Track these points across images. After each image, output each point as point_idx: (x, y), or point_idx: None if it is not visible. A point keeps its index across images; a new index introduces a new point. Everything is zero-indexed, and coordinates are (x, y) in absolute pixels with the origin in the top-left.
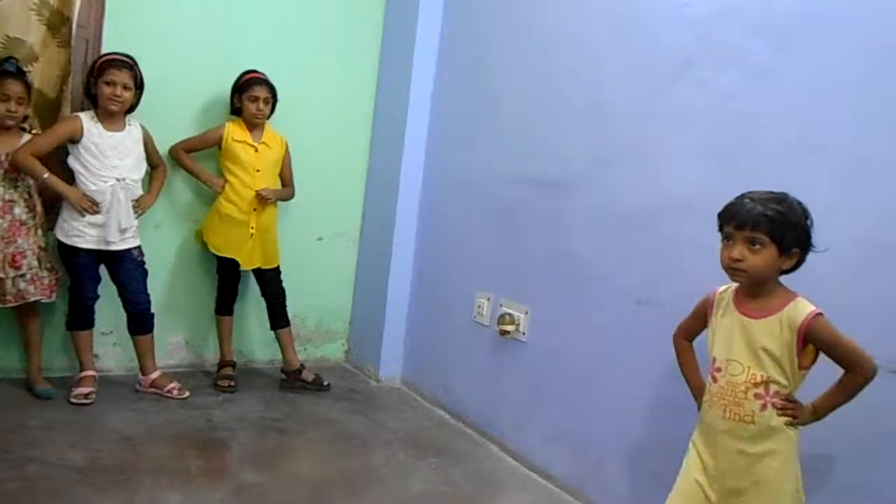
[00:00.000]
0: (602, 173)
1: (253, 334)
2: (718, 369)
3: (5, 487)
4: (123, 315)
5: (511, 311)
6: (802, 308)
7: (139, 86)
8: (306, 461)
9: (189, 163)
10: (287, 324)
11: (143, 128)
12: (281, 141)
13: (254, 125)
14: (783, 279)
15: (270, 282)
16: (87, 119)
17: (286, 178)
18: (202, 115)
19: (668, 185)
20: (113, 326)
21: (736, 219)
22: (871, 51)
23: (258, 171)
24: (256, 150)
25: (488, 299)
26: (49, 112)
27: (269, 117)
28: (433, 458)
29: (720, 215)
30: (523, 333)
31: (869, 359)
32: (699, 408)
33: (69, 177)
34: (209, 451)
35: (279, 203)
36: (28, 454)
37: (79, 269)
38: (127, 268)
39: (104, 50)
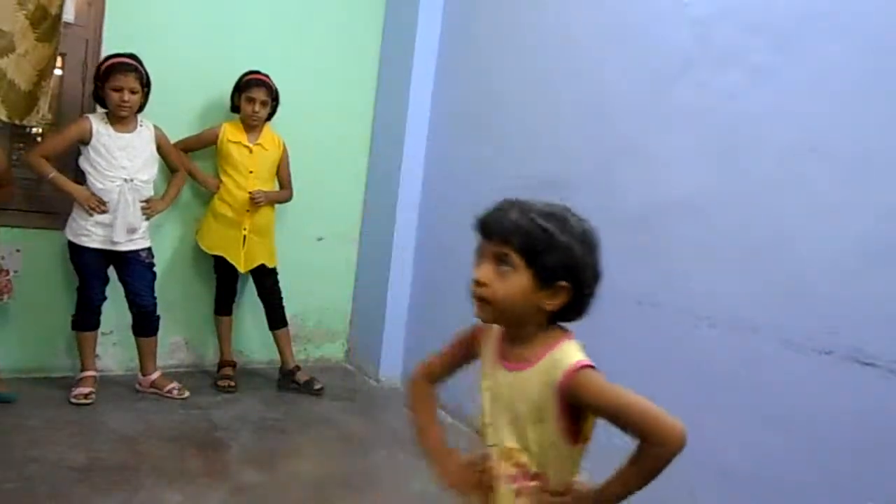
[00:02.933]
0: (602, 173)
1: (252, 334)
2: (480, 433)
3: (5, 487)
4: (124, 315)
5: None
6: (566, 358)
7: (146, 84)
8: (306, 461)
9: (186, 162)
10: (285, 324)
11: (157, 129)
12: (278, 142)
13: (250, 126)
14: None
15: (266, 283)
16: (96, 120)
17: (284, 181)
18: (202, 114)
19: (667, 186)
20: (113, 326)
21: (486, 226)
22: (871, 51)
23: (251, 172)
24: (251, 152)
25: None
26: (21, 104)
27: (268, 120)
28: None
29: (475, 220)
30: None
31: (672, 424)
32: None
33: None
34: (209, 451)
35: (278, 204)
36: (28, 454)
37: (86, 269)
38: (135, 269)
39: (104, 50)
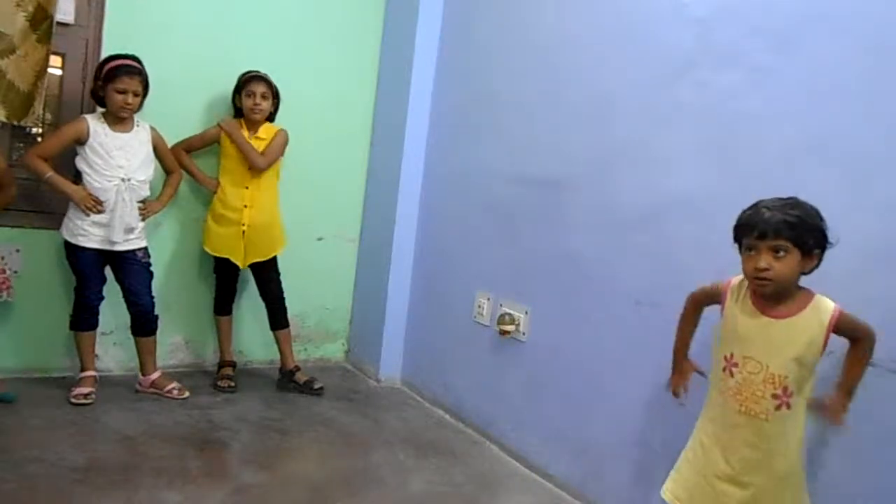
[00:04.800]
0: (602, 173)
1: (252, 334)
2: (735, 364)
3: (5, 487)
4: (124, 315)
5: (511, 311)
6: (827, 305)
7: (146, 88)
8: (306, 461)
9: (188, 163)
10: (286, 325)
11: (154, 130)
12: (275, 130)
13: (252, 122)
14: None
15: (267, 281)
16: (93, 121)
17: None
18: (202, 114)
19: (668, 185)
20: (113, 326)
21: (757, 229)
22: (871, 51)
23: (250, 168)
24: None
25: (488, 299)
26: (19, 104)
27: (272, 118)
28: (433, 458)
29: (738, 227)
30: (523, 333)
31: (869, 326)
32: (674, 367)
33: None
34: (209, 451)
35: (279, 203)
36: (28, 454)
37: (83, 269)
38: (132, 269)
39: (104, 50)
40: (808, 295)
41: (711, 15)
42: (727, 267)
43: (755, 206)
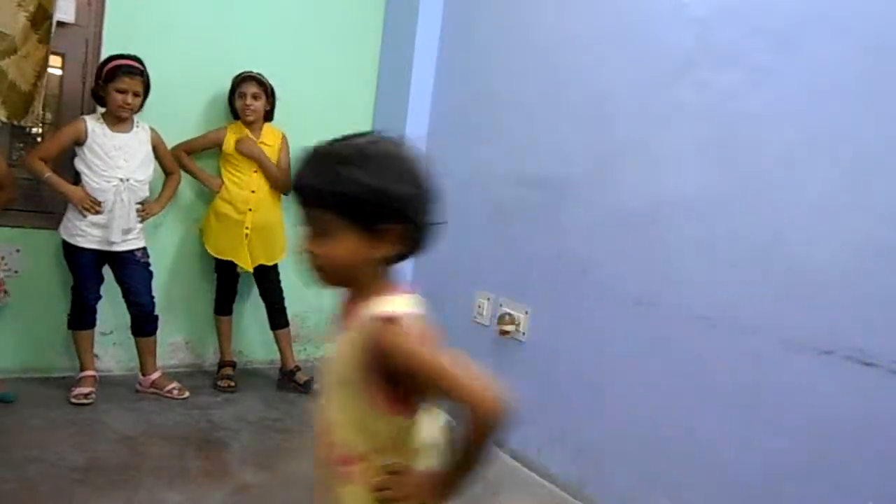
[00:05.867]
0: (602, 173)
1: (253, 334)
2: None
3: (5, 487)
4: (123, 315)
5: (511, 311)
6: (373, 311)
7: (146, 87)
8: (306, 461)
9: (189, 164)
10: (286, 324)
11: (153, 131)
12: (279, 135)
13: (247, 123)
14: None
15: (269, 283)
16: (92, 121)
17: (283, 169)
18: (202, 114)
19: (668, 185)
20: (113, 326)
21: (295, 191)
22: (871, 51)
23: (255, 171)
24: None
25: (488, 299)
26: (19, 104)
27: (269, 118)
28: None
29: None
30: (523, 333)
31: (482, 389)
32: None
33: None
34: (209, 451)
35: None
36: (28, 454)
37: (81, 269)
38: (131, 269)
39: (104, 50)
40: (380, 291)
41: (711, 15)
42: (727, 267)
43: (313, 148)
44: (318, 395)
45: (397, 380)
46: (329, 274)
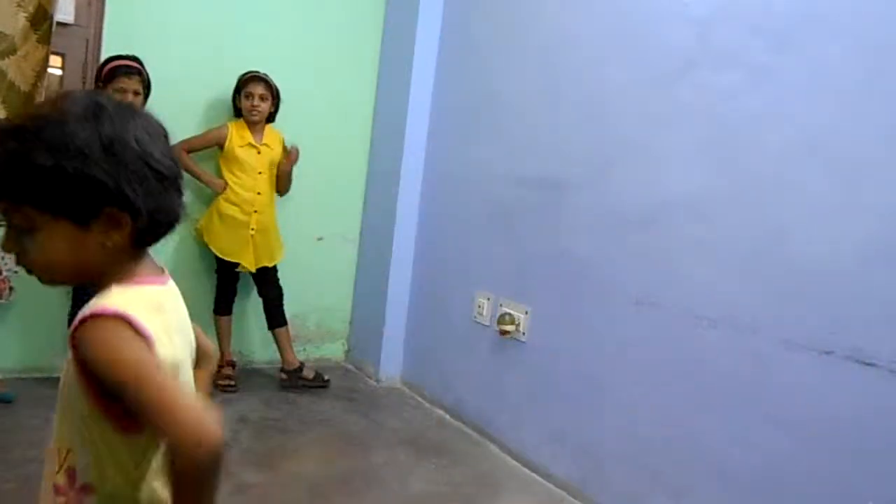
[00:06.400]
0: (602, 173)
1: (253, 334)
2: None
3: (5, 487)
4: None
5: (511, 311)
6: (86, 308)
7: (147, 87)
8: (306, 461)
9: (190, 164)
10: (284, 323)
11: None
12: (280, 139)
13: (252, 123)
14: None
15: (267, 281)
16: None
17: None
18: (202, 114)
19: (668, 185)
20: None
21: None
22: (871, 51)
23: (260, 172)
24: (259, 152)
25: (488, 299)
26: (21, 105)
27: (271, 119)
28: (433, 458)
29: None
30: (523, 333)
31: (192, 422)
32: None
33: None
34: None
35: (278, 202)
36: (28, 454)
37: None
38: None
39: (104, 50)
40: (118, 285)
41: (711, 15)
42: (727, 267)
43: None
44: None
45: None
46: (43, 275)
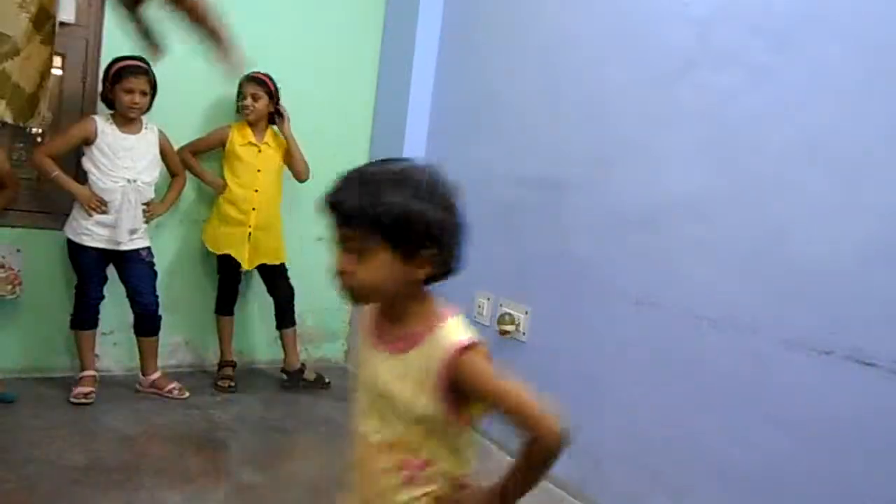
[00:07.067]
0: (602, 173)
1: (254, 335)
2: (356, 429)
3: (5, 487)
4: (124, 315)
5: (511, 311)
6: (447, 338)
7: (153, 87)
8: (306, 461)
9: (193, 164)
10: (293, 324)
11: (161, 133)
12: (282, 141)
13: (249, 122)
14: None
15: (278, 280)
16: (101, 121)
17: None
18: (202, 115)
19: (668, 186)
20: (113, 326)
21: (332, 210)
22: (871, 51)
23: (259, 170)
24: (260, 151)
25: (488, 299)
26: (25, 106)
27: (273, 121)
28: None
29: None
30: (523, 333)
31: (546, 418)
32: None
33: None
34: (209, 451)
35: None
36: (28, 454)
37: (85, 268)
38: (136, 268)
39: (104, 50)
40: (433, 319)
41: (711, 15)
42: (727, 267)
43: (347, 174)
44: (361, 406)
45: (465, 396)
46: (361, 293)
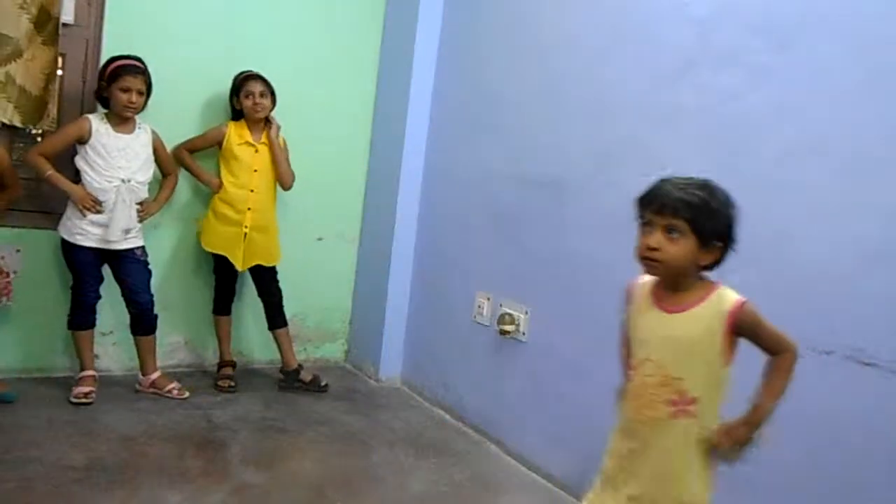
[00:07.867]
0: (602, 173)
1: (253, 334)
2: (634, 367)
3: (5, 487)
4: (123, 315)
5: (511, 311)
6: (729, 297)
7: (149, 87)
8: (306, 461)
9: (190, 162)
10: (284, 324)
11: (154, 133)
12: (281, 140)
13: (255, 121)
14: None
15: (266, 282)
16: (96, 120)
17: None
18: (202, 115)
19: None
20: (113, 326)
21: (655, 202)
22: (871, 51)
23: (256, 170)
24: (256, 150)
25: (488, 299)
26: (33, 108)
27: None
28: (433, 458)
29: (639, 199)
30: (523, 333)
31: (791, 339)
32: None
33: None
34: (209, 451)
35: (279, 202)
36: (28, 454)
37: (80, 268)
38: (130, 267)
39: (104, 50)
40: (711, 286)
41: (711, 15)
42: (727, 267)
43: (661, 180)
44: (644, 358)
45: (732, 341)
46: (664, 267)
